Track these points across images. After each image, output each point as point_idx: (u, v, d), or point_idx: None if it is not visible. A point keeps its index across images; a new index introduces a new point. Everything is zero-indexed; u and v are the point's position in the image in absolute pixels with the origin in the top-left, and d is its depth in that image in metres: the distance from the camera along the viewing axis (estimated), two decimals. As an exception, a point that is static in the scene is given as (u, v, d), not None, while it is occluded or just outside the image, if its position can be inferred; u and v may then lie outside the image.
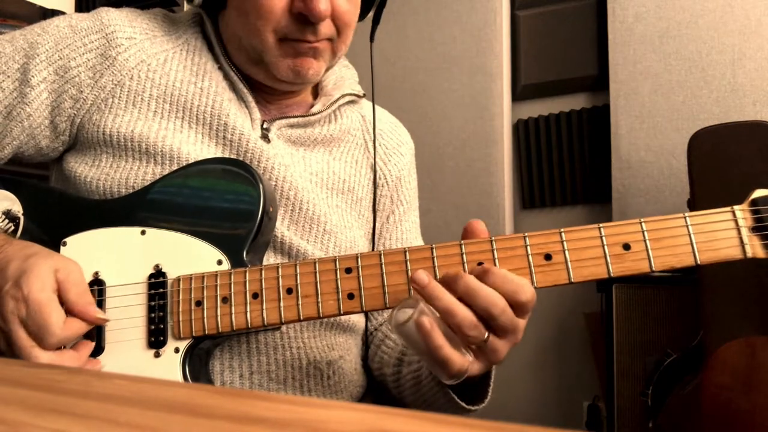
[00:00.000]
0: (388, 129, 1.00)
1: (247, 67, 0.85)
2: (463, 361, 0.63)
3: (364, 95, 0.98)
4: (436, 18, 2.36)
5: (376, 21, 0.92)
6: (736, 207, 0.65)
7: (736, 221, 0.65)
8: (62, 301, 0.66)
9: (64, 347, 0.67)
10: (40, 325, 0.63)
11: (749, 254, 0.64)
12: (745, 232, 0.64)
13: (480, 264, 0.65)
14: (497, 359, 0.66)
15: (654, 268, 0.64)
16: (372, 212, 0.94)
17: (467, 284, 0.62)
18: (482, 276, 0.63)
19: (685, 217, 0.65)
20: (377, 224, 0.95)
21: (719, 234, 0.64)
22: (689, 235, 0.64)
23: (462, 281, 0.62)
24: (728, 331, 1.44)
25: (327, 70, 0.88)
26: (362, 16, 0.89)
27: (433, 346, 0.61)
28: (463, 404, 0.75)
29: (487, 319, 0.62)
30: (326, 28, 0.79)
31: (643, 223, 0.65)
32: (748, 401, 1.40)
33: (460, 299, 0.62)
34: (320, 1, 0.75)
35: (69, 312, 0.67)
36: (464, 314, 0.62)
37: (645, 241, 0.65)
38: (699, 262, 0.64)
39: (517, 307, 0.63)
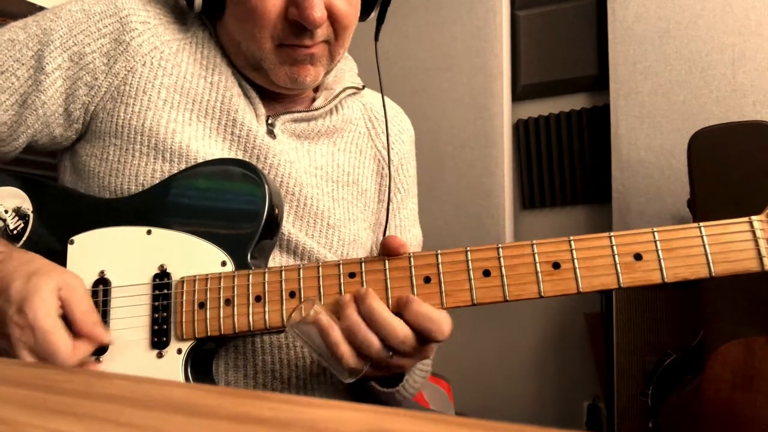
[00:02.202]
0: (389, 115, 0.99)
1: (247, 72, 0.84)
2: (358, 363, 0.64)
3: (364, 87, 0.98)
4: (436, 18, 2.36)
5: (380, 20, 0.91)
6: (753, 218, 0.62)
7: (753, 232, 0.62)
8: (68, 320, 0.66)
9: None
10: (48, 354, 0.63)
11: (767, 267, 0.61)
12: (763, 243, 0.61)
13: (489, 272, 0.66)
14: (403, 370, 0.68)
15: (666, 280, 0.61)
16: (376, 202, 0.94)
17: (369, 309, 0.64)
18: (402, 306, 0.64)
19: (699, 227, 0.62)
20: (378, 212, 0.95)
21: (735, 245, 0.62)
22: (704, 246, 0.62)
23: (366, 304, 0.64)
24: (728, 331, 1.44)
25: (326, 74, 0.87)
26: (364, 17, 0.89)
27: (331, 343, 0.63)
28: (380, 387, 0.77)
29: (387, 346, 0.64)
30: (323, 29, 0.78)
31: (655, 233, 0.62)
32: (748, 401, 1.40)
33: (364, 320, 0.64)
34: (315, 9, 0.73)
35: (75, 332, 0.66)
36: (365, 336, 0.63)
37: (657, 251, 0.62)
38: (714, 274, 0.61)
39: (431, 340, 0.65)
